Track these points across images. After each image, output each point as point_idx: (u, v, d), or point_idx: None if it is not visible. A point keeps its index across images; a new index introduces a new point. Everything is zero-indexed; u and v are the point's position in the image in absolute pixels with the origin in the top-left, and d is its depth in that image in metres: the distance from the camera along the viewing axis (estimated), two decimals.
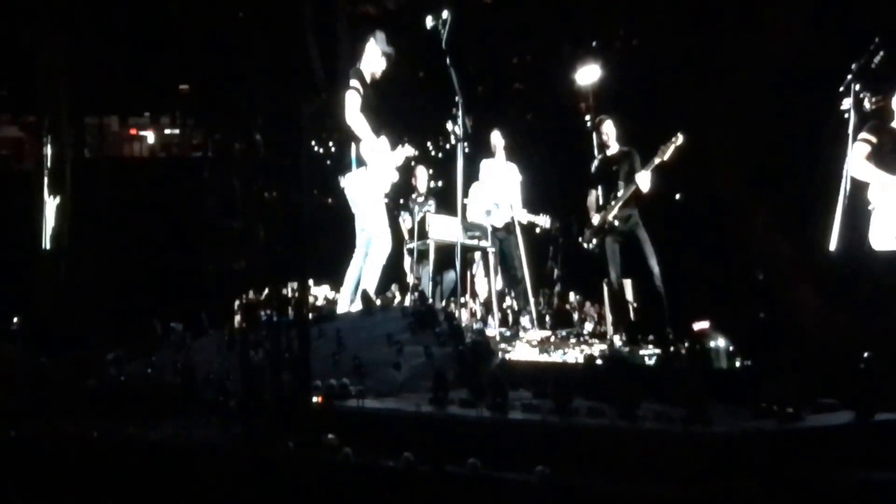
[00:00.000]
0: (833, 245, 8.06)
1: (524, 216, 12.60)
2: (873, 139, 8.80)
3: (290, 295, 6.61)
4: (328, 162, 12.89)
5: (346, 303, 10.04)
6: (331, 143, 14.49)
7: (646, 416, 5.54)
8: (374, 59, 10.21)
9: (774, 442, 5.13)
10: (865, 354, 6.18)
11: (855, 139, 8.22)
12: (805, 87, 9.49)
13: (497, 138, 12.76)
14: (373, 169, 10.06)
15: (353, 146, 10.02)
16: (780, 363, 6.75)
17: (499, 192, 12.54)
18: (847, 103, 8.18)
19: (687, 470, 4.93)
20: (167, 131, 15.92)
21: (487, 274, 12.29)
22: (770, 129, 10.42)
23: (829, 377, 6.16)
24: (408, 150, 10.60)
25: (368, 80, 10.18)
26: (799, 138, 9.48)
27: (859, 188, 8.66)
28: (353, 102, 9.96)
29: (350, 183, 10.14)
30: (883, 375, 5.89)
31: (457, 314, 10.02)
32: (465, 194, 10.09)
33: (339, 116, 9.99)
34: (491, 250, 12.08)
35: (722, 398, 6.01)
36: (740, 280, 9.64)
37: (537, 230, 12.73)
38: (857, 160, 8.75)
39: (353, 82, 10.00)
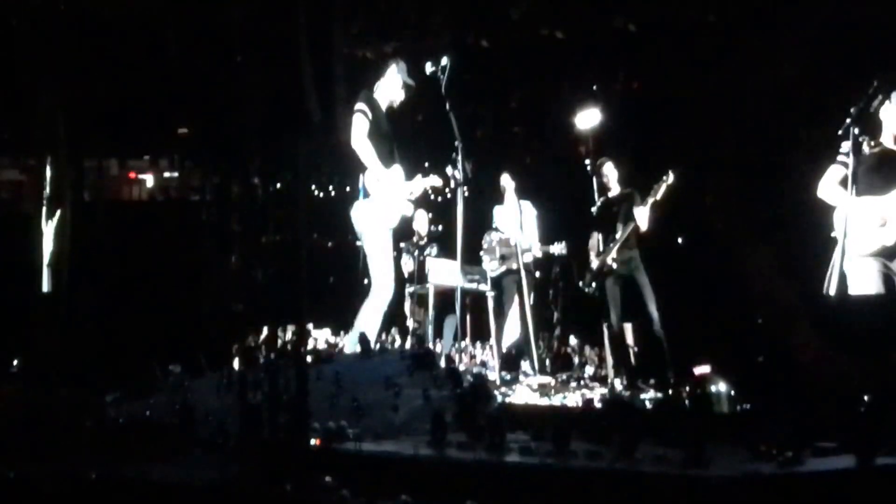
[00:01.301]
0: (831, 289, 8.04)
1: (538, 249, 12.61)
2: (849, 160, 8.38)
3: (288, 337, 6.65)
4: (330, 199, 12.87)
5: (352, 344, 9.86)
6: (330, 187, 14.52)
7: (644, 458, 5.54)
8: (393, 87, 10.10)
9: (773, 485, 5.12)
10: (866, 398, 6.18)
11: (854, 182, 8.13)
12: (805, 130, 9.50)
13: (506, 181, 12.79)
14: (378, 201, 9.83)
15: (361, 176, 9.85)
16: (779, 406, 6.75)
17: (514, 234, 12.54)
18: (846, 147, 8.16)
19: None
20: (166, 174, 15.93)
21: (497, 317, 12.30)
22: (770, 170, 10.45)
23: (829, 420, 6.16)
24: (433, 181, 10.44)
25: (384, 107, 10.06)
26: (798, 181, 9.47)
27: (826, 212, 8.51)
28: (360, 127, 9.75)
29: (356, 214, 9.95)
30: (884, 419, 5.88)
31: (457, 358, 10.01)
32: (467, 238, 10.02)
33: (347, 143, 9.86)
34: (490, 294, 12.09)
35: (720, 441, 6.01)
36: (740, 323, 9.63)
37: (554, 254, 12.70)
38: (828, 183, 8.62)
39: (361, 105, 9.82)
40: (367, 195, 9.82)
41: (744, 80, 10.69)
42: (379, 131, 9.91)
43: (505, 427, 6.26)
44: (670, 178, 11.08)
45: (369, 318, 9.73)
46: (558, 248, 12.61)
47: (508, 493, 5.42)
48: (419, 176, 10.28)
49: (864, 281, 8.34)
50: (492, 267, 12.48)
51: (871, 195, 8.35)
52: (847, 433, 5.74)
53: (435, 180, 10.42)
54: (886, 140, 8.49)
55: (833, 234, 8.43)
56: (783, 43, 10.30)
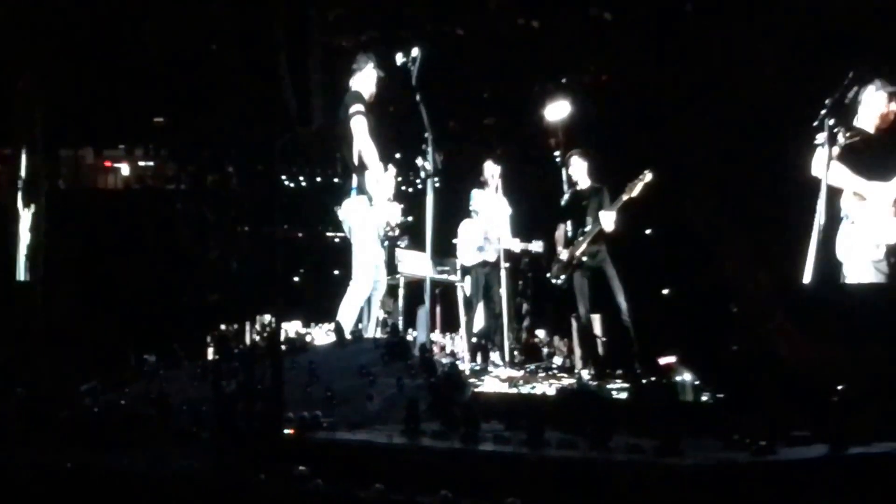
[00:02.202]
0: (808, 278, 7.97)
1: (517, 245, 12.52)
2: (842, 139, 8.33)
3: (262, 327, 6.56)
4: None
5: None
6: (301, 178, 14.39)
7: (618, 447, 5.48)
8: (369, 81, 10.06)
9: (747, 475, 5.06)
10: (839, 387, 6.13)
11: (827, 169, 8.05)
12: (781, 120, 9.41)
13: (491, 169, 12.66)
14: (375, 202, 9.89)
15: (355, 175, 9.86)
16: (753, 396, 6.70)
17: (490, 225, 12.45)
18: (821, 138, 8.09)
19: (659, 502, 4.86)
20: (141, 163, 15.74)
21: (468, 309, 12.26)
22: (745, 161, 10.38)
23: (803, 410, 6.11)
24: (394, 173, 10.39)
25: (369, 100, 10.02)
26: (775, 171, 9.40)
27: (832, 198, 8.39)
28: (362, 128, 9.77)
29: (349, 211, 9.96)
30: (856, 408, 5.84)
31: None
32: (437, 230, 9.95)
33: (342, 143, 9.87)
34: (460, 285, 12.03)
35: (695, 430, 5.95)
36: (714, 313, 9.58)
37: (532, 252, 12.62)
38: (827, 161, 8.49)
39: (359, 106, 9.81)
40: (360, 192, 9.80)
41: (720, 72, 10.61)
42: (372, 130, 9.90)
43: (479, 416, 6.19)
44: (647, 176, 11.00)
45: (347, 307, 9.73)
46: (536, 247, 12.52)
47: (483, 481, 5.34)
48: (388, 174, 10.23)
49: (864, 270, 8.32)
50: (467, 257, 12.40)
51: (877, 180, 8.30)
52: (820, 423, 5.70)
53: (392, 171, 10.37)
54: (867, 125, 8.46)
55: (844, 215, 8.38)
56: (761, 34, 10.22)
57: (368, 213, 9.87)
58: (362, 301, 9.87)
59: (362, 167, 9.75)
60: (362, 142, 9.70)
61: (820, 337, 7.17)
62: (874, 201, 8.29)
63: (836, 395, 6.10)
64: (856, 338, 7.00)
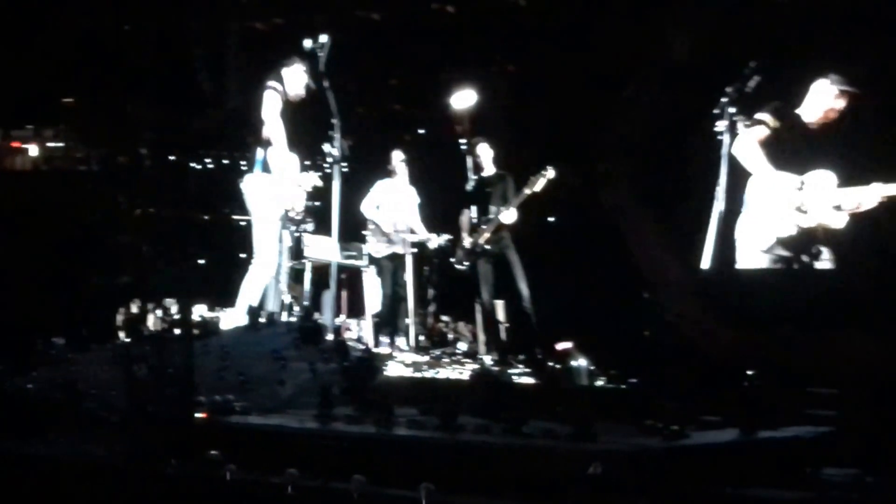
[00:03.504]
0: (706, 263, 7.96)
1: (428, 238, 12.42)
2: (773, 123, 8.42)
3: (173, 310, 6.41)
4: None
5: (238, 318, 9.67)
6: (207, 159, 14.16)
7: (532, 433, 5.41)
8: (297, 83, 9.84)
9: (660, 459, 5.02)
10: (749, 372, 6.13)
11: (729, 160, 8.05)
12: (690, 107, 9.37)
13: (398, 158, 12.50)
14: (277, 181, 9.66)
15: (262, 151, 9.63)
16: (665, 381, 6.68)
17: (399, 216, 12.32)
18: (721, 126, 8.08)
19: (573, 487, 4.79)
20: (50, 144, 15.37)
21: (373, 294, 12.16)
22: (656, 148, 10.37)
23: (714, 395, 6.11)
24: (314, 179, 10.23)
25: (288, 94, 9.82)
26: (684, 158, 9.38)
27: (735, 189, 8.40)
28: (272, 103, 9.60)
29: (249, 187, 9.75)
30: (766, 393, 5.85)
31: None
32: (343, 215, 9.82)
33: (254, 116, 9.69)
34: (366, 270, 11.91)
35: (608, 416, 5.91)
36: (625, 298, 9.57)
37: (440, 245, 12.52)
38: (749, 143, 8.37)
39: (275, 83, 9.65)
40: (265, 170, 9.58)
41: (632, 61, 10.57)
42: (285, 115, 9.72)
43: (392, 401, 6.11)
44: (550, 173, 10.97)
45: (250, 291, 9.51)
46: (442, 240, 12.40)
47: (397, 466, 5.22)
48: (310, 172, 10.08)
49: (755, 257, 8.33)
50: (378, 249, 12.28)
51: (788, 170, 8.32)
52: (731, 408, 5.70)
53: (316, 179, 10.21)
54: (809, 117, 8.47)
55: (746, 201, 8.36)
56: (671, 24, 10.20)
57: (269, 190, 9.67)
58: (266, 281, 9.68)
59: (268, 143, 9.54)
60: (270, 117, 9.52)
61: (730, 322, 7.20)
62: (776, 191, 8.30)
63: (746, 379, 6.11)
64: (755, 323, 7.05)
